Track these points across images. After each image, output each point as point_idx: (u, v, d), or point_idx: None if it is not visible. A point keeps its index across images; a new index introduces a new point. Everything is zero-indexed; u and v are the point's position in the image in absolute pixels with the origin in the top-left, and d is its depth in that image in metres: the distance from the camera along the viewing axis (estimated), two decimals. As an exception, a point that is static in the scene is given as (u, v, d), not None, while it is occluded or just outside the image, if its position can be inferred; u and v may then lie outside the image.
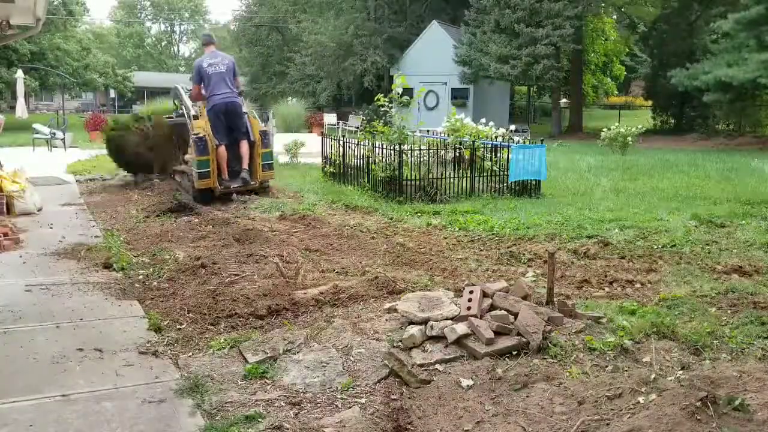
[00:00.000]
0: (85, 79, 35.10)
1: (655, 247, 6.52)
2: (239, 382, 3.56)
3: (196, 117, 9.50)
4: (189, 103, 10.02)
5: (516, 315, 3.84)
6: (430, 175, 9.72)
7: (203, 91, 9.18)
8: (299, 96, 35.77)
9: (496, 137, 11.42)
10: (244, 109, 9.43)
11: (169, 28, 78.25)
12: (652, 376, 3.30)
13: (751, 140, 25.76)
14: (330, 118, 26.90)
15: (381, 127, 10.44)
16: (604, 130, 19.31)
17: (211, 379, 3.56)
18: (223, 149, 8.98)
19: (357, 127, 20.50)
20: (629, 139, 18.28)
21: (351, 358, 3.76)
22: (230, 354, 3.91)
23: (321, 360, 3.74)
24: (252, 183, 9.25)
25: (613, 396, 3.17)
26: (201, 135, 8.86)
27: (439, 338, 3.80)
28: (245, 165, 9.13)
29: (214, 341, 4.07)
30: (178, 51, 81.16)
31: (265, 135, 9.53)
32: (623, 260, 6.10)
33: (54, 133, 18.19)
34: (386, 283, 4.96)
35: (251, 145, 9.22)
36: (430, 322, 3.88)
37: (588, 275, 5.58)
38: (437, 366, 3.62)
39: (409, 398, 3.37)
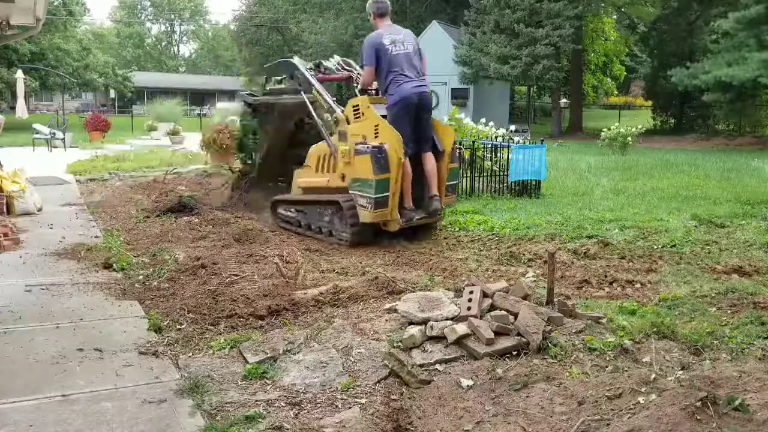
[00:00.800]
0: (85, 79, 35.18)
1: (655, 247, 6.52)
2: (239, 383, 3.56)
3: (337, 119, 6.89)
4: (325, 94, 7.18)
5: (516, 315, 3.84)
6: (430, 175, 9.68)
7: (381, 79, 6.78)
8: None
9: (496, 137, 11.42)
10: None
11: (169, 29, 78.32)
12: (652, 376, 3.30)
13: (751, 140, 25.79)
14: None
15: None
16: (604, 130, 19.33)
17: (211, 380, 3.56)
18: (408, 164, 6.50)
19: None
20: (629, 139, 18.30)
21: (351, 359, 3.76)
22: (230, 354, 3.91)
23: (321, 360, 3.74)
24: (439, 214, 6.90)
25: (613, 396, 3.17)
26: (382, 144, 6.32)
27: (439, 338, 3.80)
28: (434, 189, 6.72)
29: (214, 341, 4.07)
30: (178, 51, 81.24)
31: (455, 146, 7.05)
32: (623, 260, 6.10)
33: (54, 133, 18.20)
34: (386, 284, 4.96)
35: (438, 158, 6.82)
36: (430, 323, 3.88)
37: (588, 275, 5.57)
38: (437, 366, 3.62)
39: (409, 398, 3.37)
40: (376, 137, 6.44)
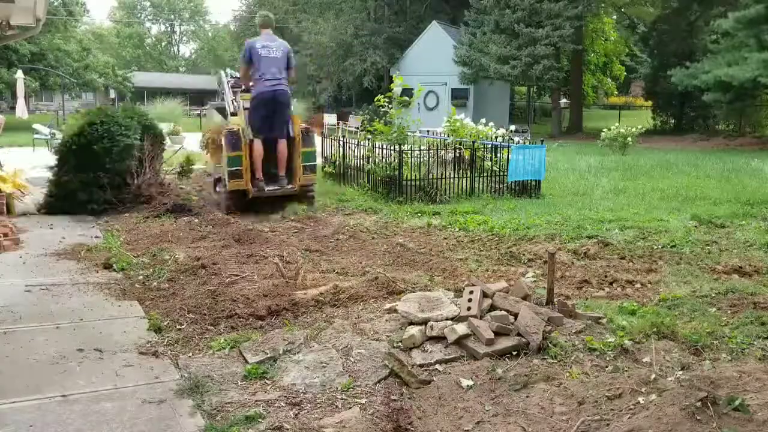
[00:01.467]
0: (85, 79, 35.11)
1: (655, 247, 6.52)
2: (239, 383, 3.56)
3: (233, 113, 8.62)
4: (230, 95, 9.03)
5: (516, 315, 3.84)
6: (430, 176, 9.73)
7: (253, 76, 8.18)
8: (299, 96, 35.79)
9: (495, 137, 11.43)
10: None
11: (169, 29, 78.31)
12: (652, 376, 3.30)
13: (751, 140, 25.78)
14: (330, 119, 26.92)
15: (381, 126, 10.46)
16: (604, 130, 19.32)
17: (211, 380, 3.56)
18: (259, 144, 8.10)
19: (357, 128, 20.51)
20: (629, 139, 18.28)
21: (351, 359, 3.75)
22: (230, 354, 3.91)
23: (321, 360, 3.73)
24: (290, 187, 8.34)
25: (613, 396, 3.17)
26: (234, 128, 8.05)
27: (439, 338, 3.80)
28: (282, 168, 8.28)
29: (214, 342, 4.07)
30: (178, 51, 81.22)
31: (307, 132, 8.53)
32: (623, 260, 6.10)
33: (54, 134, 18.17)
34: (386, 284, 4.96)
35: (289, 143, 8.37)
36: (430, 323, 3.88)
37: (588, 275, 5.58)
38: (437, 366, 3.62)
39: (409, 398, 3.37)
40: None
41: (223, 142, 8.06)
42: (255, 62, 8.05)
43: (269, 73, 8.03)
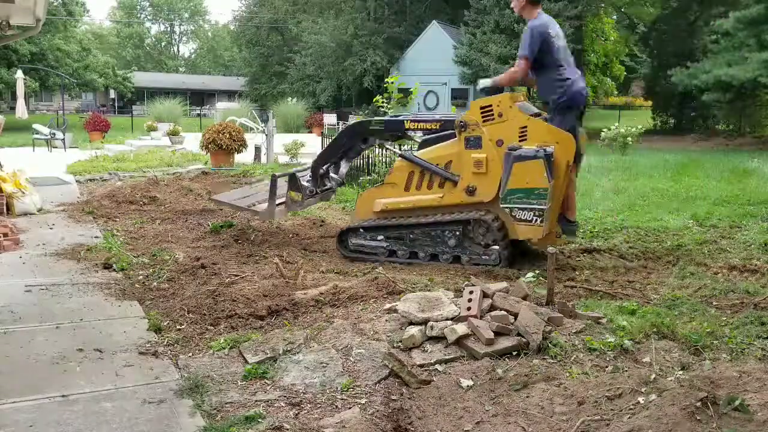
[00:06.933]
0: (85, 79, 35.16)
1: (656, 247, 6.52)
2: (239, 383, 3.56)
3: (463, 124, 5.93)
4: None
5: (516, 315, 3.85)
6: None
7: (544, 73, 5.91)
8: (299, 96, 35.82)
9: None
10: None
11: (168, 29, 78.37)
12: (652, 376, 3.30)
13: (751, 140, 25.75)
14: (330, 119, 26.93)
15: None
16: (604, 130, 19.30)
17: (211, 380, 3.56)
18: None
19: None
20: (629, 139, 18.26)
21: (351, 359, 3.75)
22: (230, 354, 3.91)
23: (321, 360, 3.73)
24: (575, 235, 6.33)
25: (613, 396, 3.16)
26: (546, 147, 5.50)
27: (439, 339, 3.80)
28: (573, 209, 6.09)
29: (214, 342, 4.07)
30: (178, 51, 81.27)
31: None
32: (623, 260, 6.10)
33: (54, 134, 18.19)
34: (386, 284, 4.95)
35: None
36: (430, 323, 3.88)
37: (588, 275, 5.58)
38: (437, 366, 3.62)
39: (409, 399, 3.37)
40: (522, 140, 5.65)
41: (538, 166, 5.41)
42: (553, 53, 5.82)
43: (573, 69, 5.92)
